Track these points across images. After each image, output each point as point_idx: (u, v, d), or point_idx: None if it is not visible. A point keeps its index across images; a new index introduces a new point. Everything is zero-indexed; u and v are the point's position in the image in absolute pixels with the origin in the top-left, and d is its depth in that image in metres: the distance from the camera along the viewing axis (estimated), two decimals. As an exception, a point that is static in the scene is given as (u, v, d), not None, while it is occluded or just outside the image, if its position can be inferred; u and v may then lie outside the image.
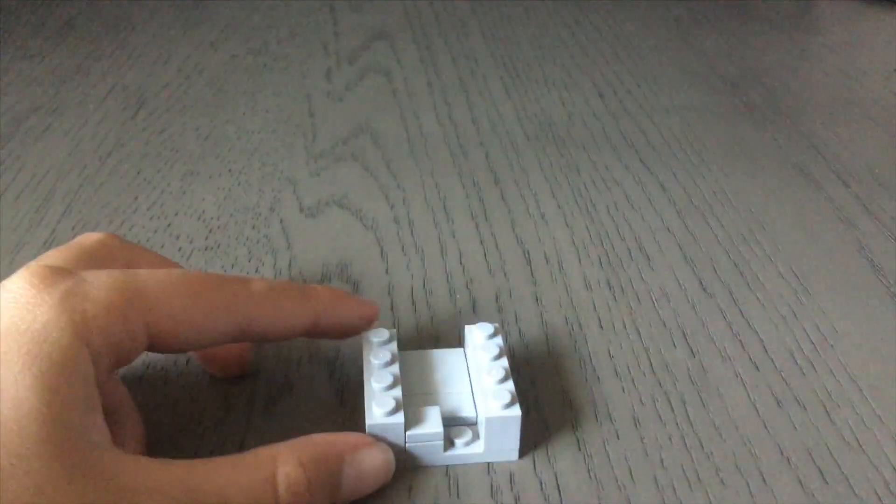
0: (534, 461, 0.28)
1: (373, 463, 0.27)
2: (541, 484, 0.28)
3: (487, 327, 0.31)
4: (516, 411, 0.27)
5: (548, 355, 0.33)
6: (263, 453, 0.25)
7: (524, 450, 0.29)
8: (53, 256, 0.27)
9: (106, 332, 0.24)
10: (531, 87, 0.58)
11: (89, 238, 0.28)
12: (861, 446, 0.29)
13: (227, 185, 0.46)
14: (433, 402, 0.29)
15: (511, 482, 0.28)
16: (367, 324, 0.30)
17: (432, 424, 0.28)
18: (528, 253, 0.40)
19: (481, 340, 0.30)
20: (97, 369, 0.23)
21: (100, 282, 0.24)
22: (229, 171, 0.47)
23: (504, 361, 0.29)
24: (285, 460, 0.25)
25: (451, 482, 0.28)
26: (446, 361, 0.31)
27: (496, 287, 0.37)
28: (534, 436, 0.29)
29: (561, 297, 0.37)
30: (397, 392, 0.28)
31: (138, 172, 0.47)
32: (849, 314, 0.36)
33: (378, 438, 0.27)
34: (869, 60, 0.63)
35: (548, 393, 0.31)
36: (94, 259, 0.27)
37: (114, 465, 0.22)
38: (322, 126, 0.52)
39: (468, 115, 0.54)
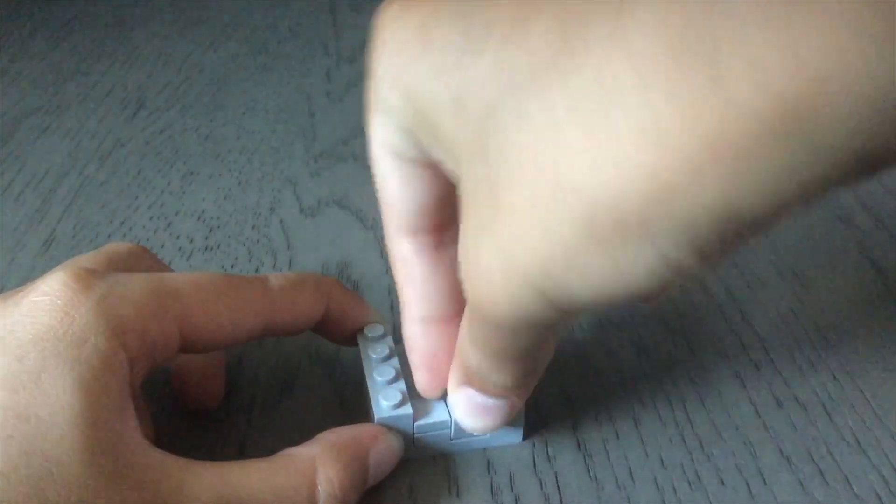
0: (534, 461, 0.28)
1: (388, 452, 0.27)
2: (541, 484, 0.28)
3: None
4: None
5: (548, 355, 0.33)
6: (301, 455, 0.25)
7: (525, 445, 0.29)
8: (85, 260, 0.27)
9: (142, 334, 0.24)
10: (531, 87, 0.58)
11: (118, 246, 0.29)
12: (861, 446, 0.29)
13: (227, 185, 0.46)
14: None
15: (511, 482, 0.28)
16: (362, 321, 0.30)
17: (439, 413, 0.28)
18: (528, 253, 0.40)
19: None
20: (132, 372, 0.23)
21: (134, 284, 0.24)
22: (229, 171, 0.47)
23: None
24: (324, 462, 0.25)
25: (451, 482, 0.28)
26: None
27: (496, 287, 0.37)
28: (534, 436, 0.29)
29: (561, 297, 0.37)
30: (401, 384, 0.28)
31: (138, 172, 0.47)
32: (849, 314, 0.36)
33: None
34: (869, 60, 0.63)
35: (548, 393, 0.31)
36: (124, 265, 0.27)
37: (153, 468, 0.22)
38: (322, 126, 0.52)
39: (468, 115, 0.54)
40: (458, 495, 0.27)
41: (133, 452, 0.22)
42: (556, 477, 0.28)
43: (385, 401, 0.27)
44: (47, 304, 0.23)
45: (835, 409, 0.31)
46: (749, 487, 0.28)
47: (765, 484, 0.28)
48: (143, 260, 0.29)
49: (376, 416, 0.27)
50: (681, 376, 0.32)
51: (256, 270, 0.38)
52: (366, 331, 0.30)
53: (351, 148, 0.50)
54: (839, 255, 0.40)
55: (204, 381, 0.30)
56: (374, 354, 0.29)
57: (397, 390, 0.28)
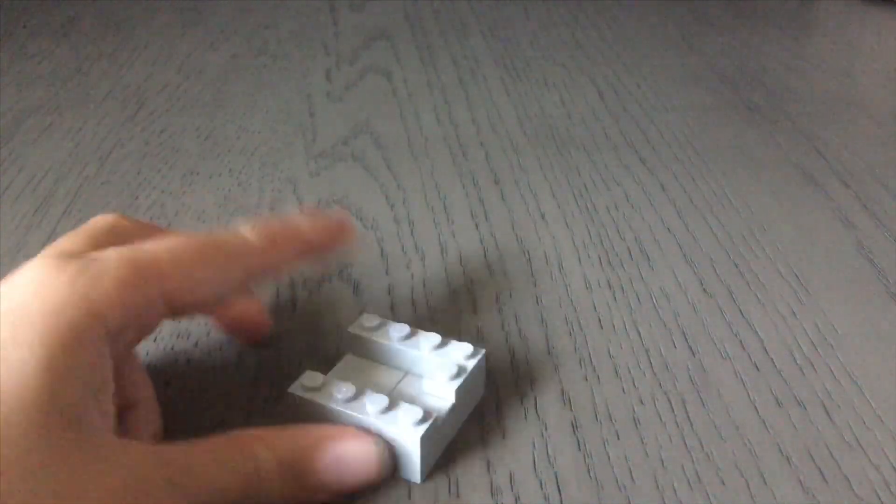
0: (534, 461, 0.28)
1: (357, 455, 0.26)
2: (541, 484, 0.28)
3: (467, 348, 0.30)
4: (415, 436, 0.27)
5: (548, 355, 0.33)
6: (243, 436, 0.26)
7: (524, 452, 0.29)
8: (65, 241, 0.27)
9: (122, 306, 0.24)
10: (531, 87, 0.58)
11: (99, 220, 0.29)
12: (861, 446, 0.29)
13: (227, 185, 0.46)
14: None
15: (511, 482, 0.28)
16: (346, 239, 0.31)
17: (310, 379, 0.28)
18: (528, 253, 0.40)
19: (454, 357, 0.29)
20: (116, 345, 0.24)
21: (109, 259, 0.25)
22: (229, 171, 0.47)
23: (452, 383, 0.28)
24: (260, 443, 0.25)
25: (451, 482, 0.28)
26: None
27: (496, 287, 0.37)
28: (534, 436, 0.29)
29: (561, 297, 0.37)
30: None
31: (138, 172, 0.47)
32: (849, 314, 0.36)
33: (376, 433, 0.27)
34: (869, 60, 0.63)
35: (548, 393, 0.31)
36: (106, 240, 0.28)
37: (112, 453, 0.22)
38: (322, 126, 0.52)
39: (468, 115, 0.54)
40: (458, 495, 0.27)
41: (95, 433, 0.22)
42: (556, 477, 0.28)
43: (405, 417, 0.27)
44: (22, 284, 0.23)
45: (835, 409, 0.31)
46: (749, 487, 0.28)
47: (765, 484, 0.28)
48: (124, 229, 0.29)
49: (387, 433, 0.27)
50: (681, 376, 0.32)
51: (256, 270, 0.38)
52: (362, 320, 0.30)
53: (351, 148, 0.50)
54: (839, 255, 0.40)
55: (247, 319, 0.33)
56: (441, 371, 0.29)
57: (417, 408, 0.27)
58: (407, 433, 0.27)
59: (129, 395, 0.28)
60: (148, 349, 0.33)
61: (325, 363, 0.33)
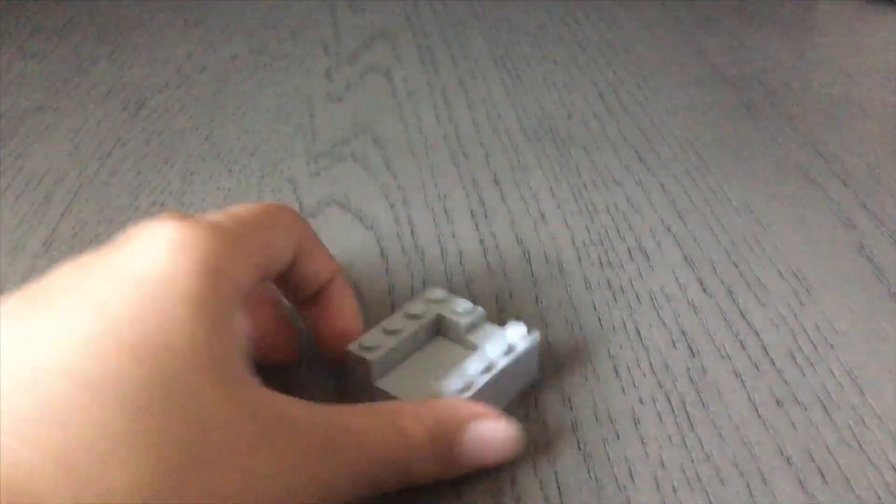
0: (534, 461, 0.28)
1: (499, 435, 0.27)
2: (541, 484, 0.28)
3: (521, 327, 0.31)
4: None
5: (548, 355, 0.33)
6: (388, 407, 0.26)
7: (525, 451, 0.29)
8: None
9: (248, 267, 0.25)
10: (531, 87, 0.58)
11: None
12: (861, 446, 0.29)
13: (227, 185, 0.46)
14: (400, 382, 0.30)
15: (511, 482, 0.28)
16: (349, 328, 0.31)
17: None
18: (528, 253, 0.40)
19: (513, 337, 0.30)
20: (241, 304, 0.25)
21: (225, 221, 0.26)
22: (229, 171, 0.47)
23: (498, 361, 0.29)
24: (408, 416, 0.26)
25: (452, 482, 0.28)
26: (455, 356, 0.31)
27: (496, 287, 0.37)
28: (534, 436, 0.29)
29: (561, 297, 0.37)
30: (393, 341, 0.30)
31: (138, 172, 0.47)
32: (849, 314, 0.36)
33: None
34: (869, 60, 0.63)
35: (548, 393, 0.31)
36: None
37: (270, 401, 0.23)
38: (322, 126, 0.52)
39: (468, 115, 0.54)
40: (458, 496, 0.27)
41: (248, 385, 0.23)
42: (556, 477, 0.28)
43: (450, 384, 0.28)
44: (159, 245, 0.24)
45: (835, 409, 0.31)
46: (749, 487, 0.28)
47: (765, 484, 0.28)
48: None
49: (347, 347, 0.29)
50: (681, 376, 0.32)
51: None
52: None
53: (351, 148, 0.50)
54: (839, 255, 0.40)
55: (278, 333, 0.32)
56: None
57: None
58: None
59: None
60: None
61: (326, 363, 0.33)
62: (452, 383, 0.28)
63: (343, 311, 0.31)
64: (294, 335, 0.32)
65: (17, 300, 0.23)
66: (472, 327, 0.32)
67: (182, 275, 0.23)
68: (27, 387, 0.20)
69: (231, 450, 0.21)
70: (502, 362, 0.29)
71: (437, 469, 0.26)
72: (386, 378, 0.30)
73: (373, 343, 0.30)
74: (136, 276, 0.23)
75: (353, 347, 0.30)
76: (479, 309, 0.32)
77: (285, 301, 0.32)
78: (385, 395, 0.29)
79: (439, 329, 0.32)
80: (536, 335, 0.31)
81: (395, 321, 0.31)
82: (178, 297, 0.22)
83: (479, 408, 0.27)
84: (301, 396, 0.31)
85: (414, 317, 0.31)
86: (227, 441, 0.21)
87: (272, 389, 0.24)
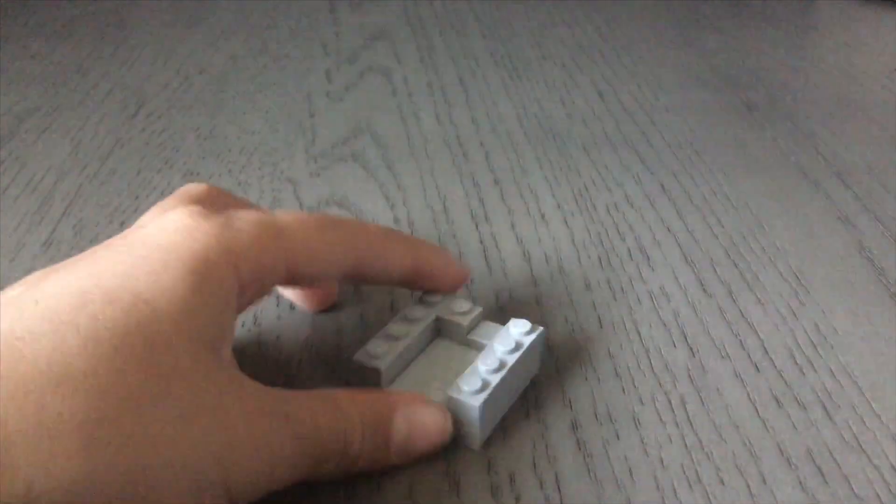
0: (534, 461, 0.28)
1: (427, 420, 0.28)
2: (541, 484, 0.28)
3: (525, 324, 0.31)
4: (476, 401, 0.28)
5: (548, 355, 0.33)
6: (327, 392, 0.27)
7: (522, 449, 0.29)
8: (169, 203, 0.29)
9: (254, 263, 0.26)
10: (531, 87, 0.58)
11: (195, 188, 0.30)
12: (861, 446, 0.29)
13: (227, 185, 0.46)
14: (412, 387, 0.30)
15: (511, 482, 0.28)
16: (457, 285, 0.33)
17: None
18: (528, 253, 0.40)
19: (515, 333, 0.31)
20: (240, 300, 0.25)
21: (248, 219, 0.26)
22: (229, 171, 0.47)
23: (513, 357, 0.29)
24: (348, 401, 0.26)
25: (451, 482, 0.28)
26: (465, 359, 0.32)
27: (496, 287, 0.37)
28: (534, 435, 0.29)
29: (561, 297, 0.37)
30: (399, 346, 0.30)
31: (138, 172, 0.47)
32: (849, 314, 0.36)
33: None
34: (869, 60, 0.63)
35: (548, 393, 0.31)
36: (205, 205, 0.29)
37: (245, 383, 0.24)
38: (322, 126, 0.52)
39: (468, 115, 0.54)
40: (458, 495, 0.27)
41: (216, 357, 0.24)
42: (556, 477, 0.28)
43: (465, 384, 0.28)
44: (173, 226, 0.25)
45: (835, 409, 0.31)
46: (749, 487, 0.28)
47: (765, 484, 0.28)
48: (218, 198, 0.30)
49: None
50: (681, 376, 0.32)
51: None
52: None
53: (351, 148, 0.50)
54: (839, 255, 0.40)
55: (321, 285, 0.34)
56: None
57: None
58: (469, 400, 0.28)
59: None
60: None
61: (325, 362, 0.33)
62: (468, 384, 0.28)
63: (440, 280, 0.32)
64: (330, 291, 0.35)
65: (40, 272, 0.24)
66: (473, 327, 0.32)
67: (183, 250, 0.24)
68: (7, 324, 0.21)
69: (186, 402, 0.22)
70: (511, 360, 0.29)
71: (372, 451, 0.27)
72: (395, 384, 0.30)
73: (379, 351, 0.30)
74: (140, 248, 0.24)
75: (360, 357, 0.29)
76: (478, 308, 0.32)
77: None
78: None
79: (439, 331, 0.32)
80: (543, 330, 0.31)
81: (397, 327, 0.31)
82: (173, 267, 0.23)
83: (409, 396, 0.28)
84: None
85: (414, 320, 0.31)
86: (184, 394, 0.22)
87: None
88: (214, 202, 0.29)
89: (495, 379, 0.29)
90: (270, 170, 0.47)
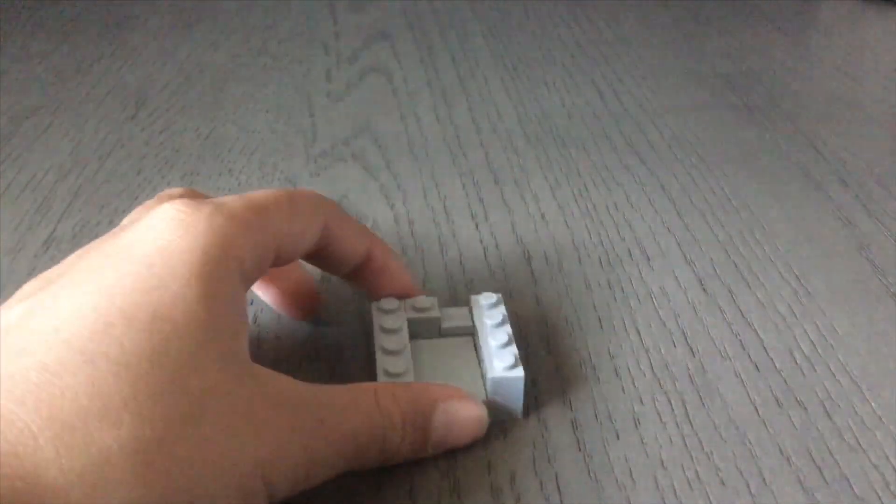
0: (534, 461, 0.28)
1: (466, 414, 0.28)
2: (541, 484, 0.28)
3: (491, 296, 0.32)
4: (519, 373, 0.29)
5: (548, 355, 0.33)
6: (368, 386, 0.27)
7: (525, 449, 0.29)
8: (152, 203, 0.29)
9: (253, 248, 0.26)
10: (531, 87, 0.58)
11: (175, 190, 0.30)
12: (861, 446, 0.29)
13: (227, 185, 0.46)
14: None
15: (511, 482, 0.28)
16: (405, 290, 0.33)
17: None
18: (528, 253, 0.40)
19: (485, 308, 0.32)
20: (244, 286, 0.26)
21: (236, 203, 0.26)
22: (229, 171, 0.47)
23: (507, 328, 0.31)
24: (386, 395, 0.27)
25: (452, 482, 0.28)
26: (455, 348, 0.32)
27: (496, 287, 0.37)
28: (534, 435, 0.29)
29: (561, 298, 0.37)
30: (407, 356, 0.30)
31: (138, 172, 0.47)
32: (849, 314, 0.36)
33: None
34: (869, 60, 0.63)
35: (548, 393, 0.31)
36: (188, 196, 0.29)
37: (269, 385, 0.24)
38: (322, 126, 0.52)
39: (468, 115, 0.54)
40: (458, 496, 0.27)
41: (247, 364, 0.24)
42: (556, 477, 0.28)
43: (499, 361, 0.29)
44: (165, 224, 0.24)
45: (835, 409, 0.31)
46: (749, 487, 0.28)
47: (765, 484, 0.28)
48: (199, 195, 0.30)
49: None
50: (681, 376, 0.32)
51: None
52: (382, 303, 0.32)
53: (351, 148, 0.50)
54: (839, 255, 0.40)
55: (302, 291, 0.34)
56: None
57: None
58: (512, 374, 0.29)
59: None
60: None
61: (325, 362, 0.33)
62: (502, 361, 0.29)
63: (392, 278, 0.32)
64: (313, 295, 0.35)
65: (35, 281, 0.24)
66: (444, 318, 0.33)
67: (184, 251, 0.24)
68: (27, 352, 0.21)
69: (223, 416, 0.22)
70: (508, 328, 0.31)
71: (411, 446, 0.27)
72: None
73: (400, 366, 0.29)
74: (140, 252, 0.24)
75: (386, 379, 0.29)
76: (433, 297, 0.33)
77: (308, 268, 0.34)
78: None
79: (412, 333, 0.32)
80: (499, 296, 0.33)
81: (391, 341, 0.30)
82: (179, 273, 0.23)
83: (448, 389, 0.28)
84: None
85: (397, 329, 0.31)
86: (220, 408, 0.22)
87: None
88: (195, 195, 0.29)
89: (515, 350, 0.30)
90: (270, 170, 0.47)
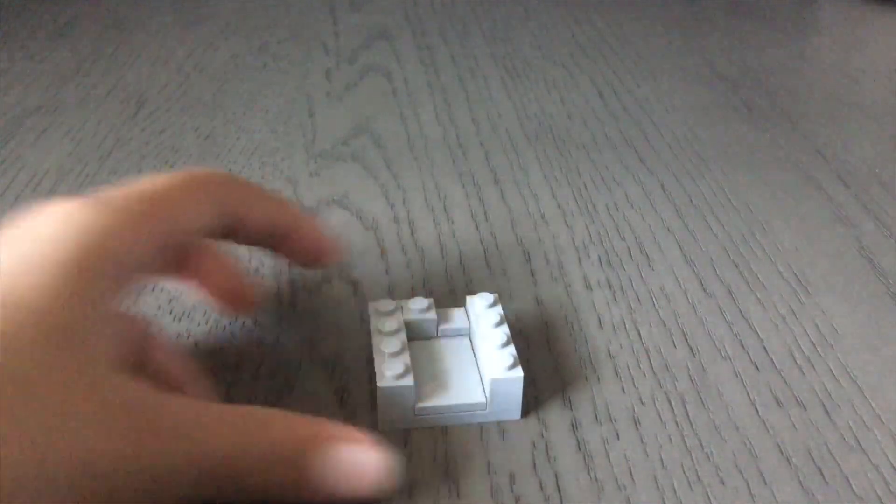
0: (534, 461, 0.28)
1: (360, 459, 0.25)
2: (541, 484, 0.28)
3: (487, 297, 0.32)
4: (518, 373, 0.29)
5: (548, 356, 0.33)
6: (246, 412, 0.25)
7: (526, 449, 0.29)
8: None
9: (142, 240, 0.25)
10: (531, 87, 0.58)
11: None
12: (861, 446, 0.29)
13: (227, 185, 0.46)
14: (443, 390, 0.30)
15: (511, 482, 0.28)
16: (324, 255, 0.32)
17: (443, 398, 0.30)
18: (528, 253, 0.40)
19: (482, 309, 0.32)
20: (127, 279, 0.25)
21: (122, 195, 0.26)
22: (229, 171, 0.47)
23: (505, 328, 0.31)
24: (256, 422, 0.25)
25: (451, 482, 0.28)
26: (452, 349, 0.32)
27: (496, 287, 0.37)
28: (534, 436, 0.29)
29: (561, 297, 0.37)
30: (406, 358, 0.29)
31: (138, 172, 0.47)
32: (849, 314, 0.36)
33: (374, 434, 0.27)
34: (869, 60, 0.63)
35: (548, 393, 0.31)
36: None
37: (112, 383, 0.23)
38: (322, 126, 0.52)
39: (468, 115, 0.54)
40: (458, 496, 0.27)
41: (95, 359, 0.23)
42: (556, 477, 0.28)
43: (388, 371, 0.29)
44: (46, 217, 0.25)
45: (835, 409, 0.31)
46: (749, 487, 0.28)
47: (765, 484, 0.28)
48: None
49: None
50: (681, 376, 0.32)
51: (257, 270, 0.38)
52: (377, 305, 0.32)
53: (351, 148, 0.50)
54: (839, 255, 0.40)
55: (227, 285, 0.31)
56: (383, 328, 0.31)
57: (402, 362, 0.29)
58: (512, 374, 0.29)
59: (166, 371, 0.28)
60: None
61: (326, 363, 0.33)
62: (502, 362, 0.29)
63: (302, 238, 0.32)
64: (247, 287, 0.32)
65: None
66: (442, 319, 0.33)
67: (58, 245, 0.24)
68: None
69: (57, 414, 0.21)
70: (506, 328, 0.31)
71: (280, 487, 0.24)
72: (425, 396, 0.30)
73: (397, 370, 0.29)
74: (14, 245, 0.24)
75: (386, 383, 0.29)
76: (430, 300, 0.33)
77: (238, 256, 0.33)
78: (432, 411, 0.29)
79: (409, 335, 0.32)
80: (496, 295, 0.33)
81: (389, 343, 0.30)
82: (47, 264, 0.23)
83: (345, 431, 0.25)
84: (299, 404, 0.31)
85: (396, 331, 0.31)
86: (54, 405, 0.21)
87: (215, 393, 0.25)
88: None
89: (513, 350, 0.30)
90: (270, 170, 0.47)
